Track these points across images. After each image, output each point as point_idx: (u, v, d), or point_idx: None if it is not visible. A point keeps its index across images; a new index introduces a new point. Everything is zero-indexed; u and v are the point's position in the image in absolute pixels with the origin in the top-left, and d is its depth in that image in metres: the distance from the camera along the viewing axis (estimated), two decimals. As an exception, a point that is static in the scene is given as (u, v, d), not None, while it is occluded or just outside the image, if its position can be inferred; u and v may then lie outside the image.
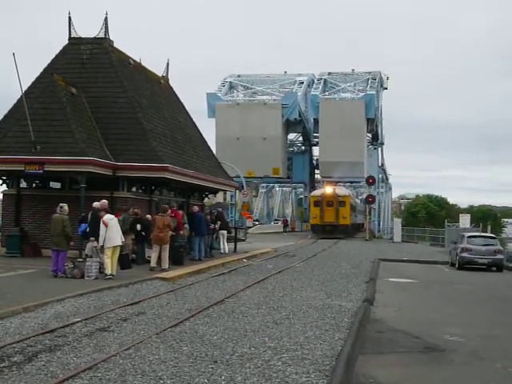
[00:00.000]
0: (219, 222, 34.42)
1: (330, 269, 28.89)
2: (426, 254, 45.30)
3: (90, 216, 22.60)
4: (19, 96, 27.15)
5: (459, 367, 11.39)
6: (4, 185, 29.16)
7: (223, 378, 9.31)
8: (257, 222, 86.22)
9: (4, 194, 29.68)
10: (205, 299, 17.61)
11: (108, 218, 21.39)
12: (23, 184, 29.54)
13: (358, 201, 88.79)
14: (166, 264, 24.33)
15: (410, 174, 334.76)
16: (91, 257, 21.29)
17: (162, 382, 9.06)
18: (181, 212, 28.16)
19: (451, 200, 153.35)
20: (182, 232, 26.99)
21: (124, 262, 22.27)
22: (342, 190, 73.20)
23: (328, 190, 69.95)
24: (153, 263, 24.25)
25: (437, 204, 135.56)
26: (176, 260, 26.36)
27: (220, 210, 39.14)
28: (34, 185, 29.98)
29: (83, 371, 9.43)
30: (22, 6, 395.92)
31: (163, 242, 24.38)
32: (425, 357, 12.08)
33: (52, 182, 30.15)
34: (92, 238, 21.65)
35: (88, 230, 22.17)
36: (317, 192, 75.08)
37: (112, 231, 21.21)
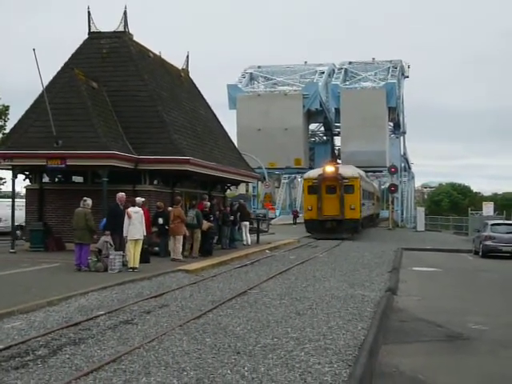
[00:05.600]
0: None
1: (353, 259, 28.88)
2: (450, 242, 45.15)
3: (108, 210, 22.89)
4: (40, 91, 27.31)
5: (483, 356, 11.35)
6: (27, 180, 29.36)
7: (246, 368, 9.33)
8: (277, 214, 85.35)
9: (27, 189, 29.90)
10: (228, 291, 17.66)
11: (133, 210, 21.48)
12: (46, 179, 29.73)
13: (375, 184, 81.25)
14: (178, 255, 24.61)
15: (432, 162, 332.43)
16: (101, 250, 21.32)
17: (185, 373, 9.09)
18: (203, 203, 28.37)
19: (475, 188, 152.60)
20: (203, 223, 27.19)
21: (142, 255, 22.29)
22: (348, 170, 51.57)
23: (328, 169, 47.82)
24: (172, 255, 24.76)
25: (460, 192, 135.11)
26: (207, 250, 27.20)
27: (242, 201, 39.27)
28: (56, 179, 30.17)
29: (107, 364, 9.50)
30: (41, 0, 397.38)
31: (175, 233, 24.82)
32: (448, 346, 12.07)
33: (74, 176, 30.34)
34: (107, 232, 21.72)
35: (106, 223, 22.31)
36: (312, 173, 51.35)
37: (134, 224, 21.29)
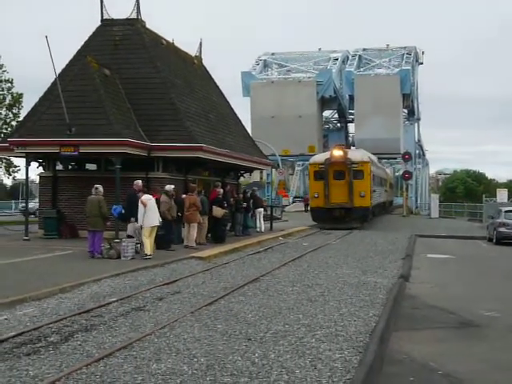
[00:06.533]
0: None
1: (366, 246, 28.83)
2: (464, 229, 44.90)
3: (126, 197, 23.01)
4: (53, 79, 27.36)
5: (495, 342, 11.31)
6: (40, 167, 29.48)
7: (257, 355, 9.35)
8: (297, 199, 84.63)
9: (41, 177, 30.01)
10: (240, 277, 17.68)
11: (146, 198, 21.53)
12: (59, 166, 29.89)
13: (388, 170, 78.11)
14: (192, 242, 24.68)
15: (447, 149, 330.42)
16: (133, 237, 21.49)
17: (195, 359, 9.11)
18: (217, 191, 28.36)
19: (490, 175, 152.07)
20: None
21: (161, 242, 22.44)
22: (358, 153, 48.40)
23: (336, 153, 43.74)
24: (186, 242, 24.91)
25: (475, 179, 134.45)
26: (221, 237, 27.51)
27: (256, 188, 39.40)
28: (69, 167, 30.34)
29: (118, 350, 9.54)
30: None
31: (190, 221, 24.84)
32: (460, 332, 12.06)
33: (88, 163, 30.46)
34: (133, 219, 21.80)
35: (124, 211, 22.39)
36: (318, 157, 47.23)
37: (151, 211, 21.34)
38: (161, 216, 22.40)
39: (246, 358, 9.18)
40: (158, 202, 22.36)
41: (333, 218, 42.08)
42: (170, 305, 13.40)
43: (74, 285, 15.28)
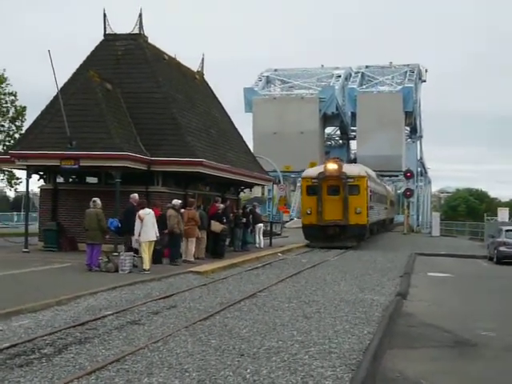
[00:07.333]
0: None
1: (365, 263, 28.80)
2: (465, 248, 44.74)
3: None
4: (55, 92, 27.48)
5: (490, 362, 11.28)
6: (41, 180, 29.55)
7: (248, 371, 9.35)
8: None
9: (41, 189, 30.11)
10: (237, 293, 17.69)
11: (144, 212, 21.53)
12: (60, 179, 29.97)
13: (389, 187, 75.24)
14: (190, 257, 24.69)
15: (450, 167, 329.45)
16: (137, 250, 21.53)
17: (187, 374, 9.13)
18: (217, 206, 28.37)
19: (494, 194, 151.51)
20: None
21: (156, 256, 22.47)
22: (354, 168, 45.47)
23: (330, 166, 40.66)
24: (184, 256, 24.84)
25: (477, 198, 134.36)
26: (219, 252, 27.52)
27: (256, 204, 39.44)
28: (70, 180, 30.40)
29: (111, 363, 9.56)
30: (58, 2, 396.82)
31: (188, 235, 24.84)
32: (455, 351, 12.00)
33: (88, 176, 30.52)
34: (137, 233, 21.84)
35: (120, 225, 22.42)
36: (311, 171, 43.30)
37: (147, 226, 21.34)
38: (169, 230, 22.58)
39: (238, 374, 9.17)
40: (158, 217, 22.38)
41: (326, 236, 39.07)
42: (165, 319, 13.41)
43: (71, 297, 15.31)
